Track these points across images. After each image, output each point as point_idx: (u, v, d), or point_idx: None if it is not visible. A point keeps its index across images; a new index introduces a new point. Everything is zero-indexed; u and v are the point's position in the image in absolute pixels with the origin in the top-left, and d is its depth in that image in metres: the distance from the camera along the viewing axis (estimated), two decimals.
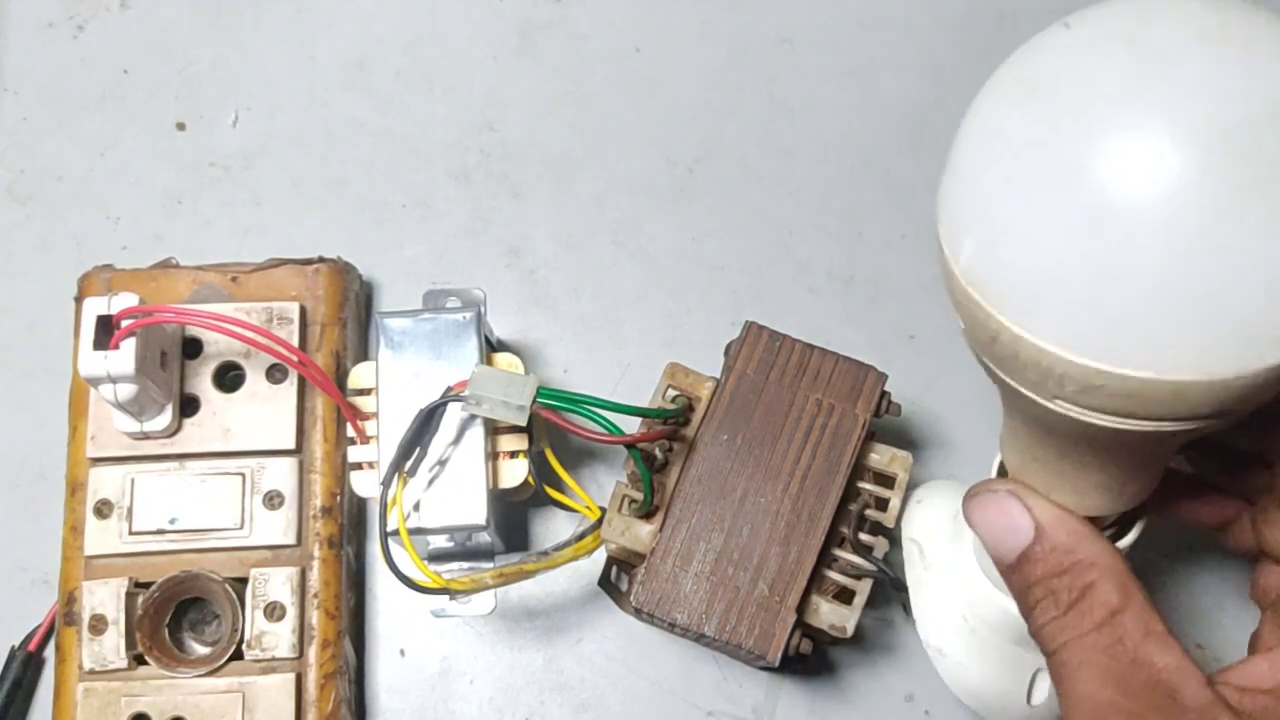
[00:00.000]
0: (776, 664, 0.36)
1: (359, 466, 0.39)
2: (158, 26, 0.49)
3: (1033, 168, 0.24)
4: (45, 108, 0.49)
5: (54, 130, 0.48)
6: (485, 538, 0.40)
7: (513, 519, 0.44)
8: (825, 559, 0.37)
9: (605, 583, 0.42)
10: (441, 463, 0.39)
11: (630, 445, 0.36)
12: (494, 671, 0.43)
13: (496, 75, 0.49)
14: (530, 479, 0.39)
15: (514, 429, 0.39)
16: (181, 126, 0.48)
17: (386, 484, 0.38)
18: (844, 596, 0.37)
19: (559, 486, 0.40)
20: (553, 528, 0.44)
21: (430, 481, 0.38)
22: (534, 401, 0.36)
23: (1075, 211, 0.23)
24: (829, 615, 0.37)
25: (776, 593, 0.36)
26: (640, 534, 0.37)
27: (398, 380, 0.39)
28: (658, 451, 0.38)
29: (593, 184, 0.48)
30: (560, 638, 0.43)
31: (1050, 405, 0.26)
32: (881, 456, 0.38)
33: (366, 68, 0.49)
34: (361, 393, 0.40)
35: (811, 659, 0.42)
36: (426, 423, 0.38)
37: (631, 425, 0.37)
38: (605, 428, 0.36)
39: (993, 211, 0.25)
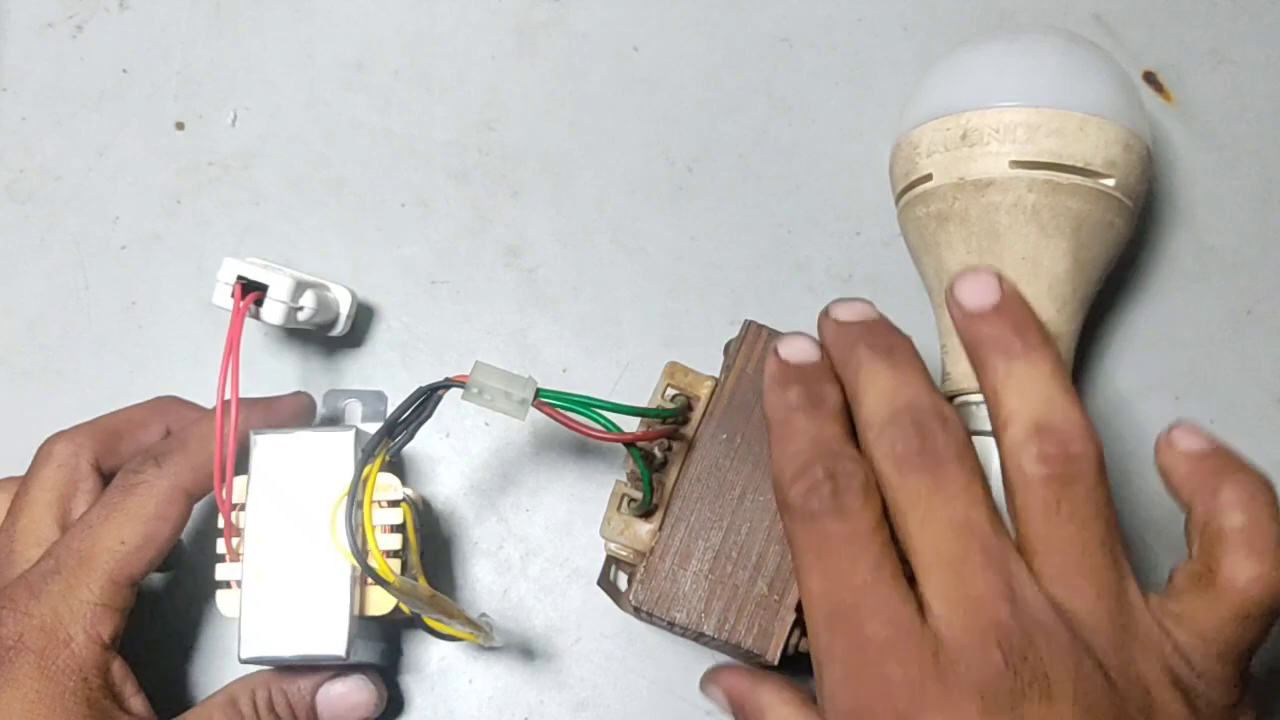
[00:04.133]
0: (776, 662, 0.36)
1: (226, 585, 0.38)
2: (156, 26, 0.50)
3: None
4: (44, 107, 0.49)
5: (53, 130, 0.48)
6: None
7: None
8: None
9: (604, 582, 0.42)
10: (303, 585, 0.37)
11: (630, 444, 0.36)
12: (493, 671, 0.43)
13: (495, 75, 0.49)
14: (402, 607, 0.37)
15: (388, 554, 0.37)
16: (180, 126, 0.48)
17: (368, 454, 0.36)
18: None
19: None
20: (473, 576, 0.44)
21: (289, 603, 0.37)
22: (535, 398, 0.35)
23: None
24: None
25: (775, 591, 0.36)
26: (639, 533, 0.37)
27: (268, 499, 0.38)
28: (657, 450, 0.38)
29: (591, 183, 0.48)
30: (559, 637, 0.43)
31: (1008, 173, 0.39)
32: None
33: (365, 67, 0.49)
34: (235, 507, 0.38)
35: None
36: (422, 406, 0.36)
37: (631, 425, 0.37)
38: (605, 426, 0.36)
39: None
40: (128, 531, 0.36)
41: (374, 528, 0.36)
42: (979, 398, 0.40)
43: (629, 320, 0.46)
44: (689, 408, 0.38)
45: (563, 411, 0.35)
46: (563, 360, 0.46)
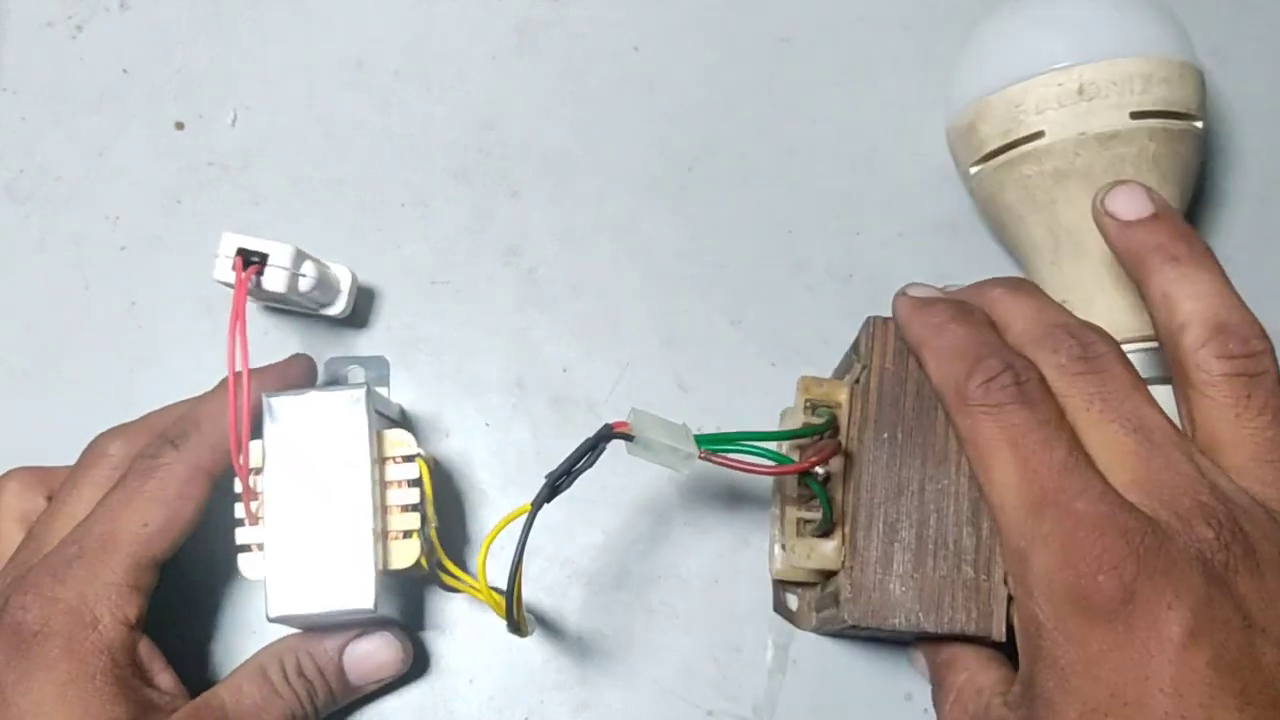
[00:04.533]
0: (1003, 638, 0.35)
1: (247, 549, 0.38)
2: (156, 26, 0.49)
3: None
4: (44, 107, 0.49)
5: (52, 130, 0.48)
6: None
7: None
8: None
9: (780, 609, 0.42)
10: (326, 542, 0.37)
11: (806, 471, 0.36)
12: (493, 671, 0.43)
13: (495, 74, 0.49)
14: (423, 561, 0.38)
15: (406, 508, 0.38)
16: (180, 126, 0.48)
17: (532, 517, 0.35)
18: None
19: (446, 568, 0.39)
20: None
21: (313, 561, 0.37)
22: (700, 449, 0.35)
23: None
24: None
25: (982, 571, 0.36)
26: (826, 552, 0.37)
27: (284, 461, 0.38)
28: (820, 468, 0.37)
29: (591, 183, 0.48)
30: (559, 637, 0.43)
31: (1130, 125, 0.40)
32: None
33: (365, 67, 0.49)
34: (253, 471, 0.38)
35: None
36: (587, 457, 0.35)
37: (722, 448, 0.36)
38: (774, 459, 0.35)
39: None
40: (150, 514, 0.37)
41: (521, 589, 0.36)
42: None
43: (629, 320, 0.46)
44: (834, 417, 0.38)
45: (730, 456, 0.35)
46: (563, 360, 0.46)
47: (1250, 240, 0.47)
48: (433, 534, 0.39)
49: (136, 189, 0.48)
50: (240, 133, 0.48)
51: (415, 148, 0.48)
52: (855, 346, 0.39)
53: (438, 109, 0.49)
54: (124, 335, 0.46)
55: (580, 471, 0.35)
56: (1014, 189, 0.42)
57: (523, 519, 0.35)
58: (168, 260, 0.47)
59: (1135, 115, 0.40)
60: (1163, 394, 0.41)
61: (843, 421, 0.38)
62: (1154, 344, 0.41)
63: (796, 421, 0.38)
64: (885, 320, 0.38)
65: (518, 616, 0.36)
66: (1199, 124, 0.41)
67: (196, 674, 0.42)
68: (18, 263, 0.47)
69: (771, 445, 0.36)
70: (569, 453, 0.35)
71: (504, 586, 0.38)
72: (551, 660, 0.43)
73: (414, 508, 0.38)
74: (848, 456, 0.38)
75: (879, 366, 0.37)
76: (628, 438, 0.35)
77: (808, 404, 0.38)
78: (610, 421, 0.35)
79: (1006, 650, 0.35)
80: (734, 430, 0.36)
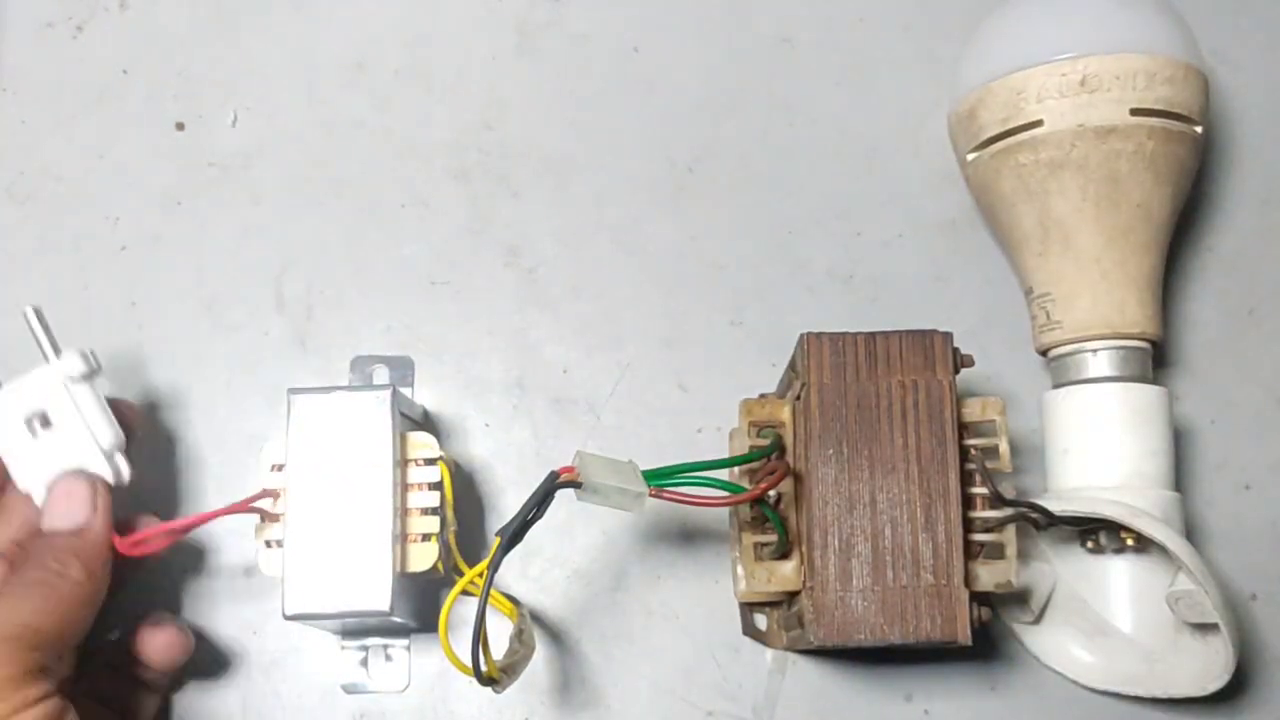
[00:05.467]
0: (969, 642, 0.36)
1: (267, 545, 0.38)
2: (156, 27, 0.49)
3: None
4: (44, 108, 0.49)
5: (53, 130, 0.48)
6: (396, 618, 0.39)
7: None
8: (967, 526, 0.37)
9: (749, 630, 0.43)
10: (345, 542, 0.37)
11: (759, 499, 0.36)
12: None
13: (495, 75, 0.49)
14: (439, 564, 0.39)
15: (426, 511, 0.39)
16: (180, 126, 0.48)
17: (494, 567, 0.35)
18: (993, 552, 0.37)
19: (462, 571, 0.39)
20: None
21: (332, 561, 0.37)
22: (650, 487, 0.35)
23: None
24: (990, 577, 0.37)
25: (941, 577, 0.36)
26: (786, 573, 0.37)
27: (307, 459, 0.38)
28: (770, 491, 0.37)
29: (592, 183, 0.48)
30: (559, 638, 0.43)
31: (1129, 120, 0.40)
32: (973, 409, 0.38)
33: (365, 67, 0.49)
34: (275, 468, 0.38)
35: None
36: (536, 506, 0.35)
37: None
38: (725, 489, 0.35)
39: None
40: None
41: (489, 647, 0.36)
42: (1095, 344, 0.41)
43: (629, 320, 0.46)
44: (779, 437, 0.38)
45: (680, 490, 0.35)
46: (563, 360, 0.46)
47: (1251, 242, 0.47)
48: (451, 538, 0.39)
49: (136, 189, 0.48)
50: (240, 133, 0.48)
51: (415, 148, 0.48)
52: (792, 364, 0.39)
53: (438, 109, 0.49)
54: (124, 335, 0.46)
55: (532, 524, 0.35)
56: (1009, 177, 0.42)
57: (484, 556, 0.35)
58: (168, 260, 0.47)
59: (1135, 112, 0.40)
60: (1151, 393, 0.41)
61: (788, 440, 0.38)
62: (1136, 342, 0.41)
63: (743, 444, 0.38)
64: (819, 335, 0.38)
65: (488, 671, 0.35)
66: (1199, 129, 0.42)
67: (204, 670, 0.43)
68: (18, 263, 0.47)
69: (721, 473, 0.35)
70: (519, 508, 0.35)
71: (513, 645, 0.38)
72: (552, 661, 0.43)
73: (433, 511, 0.39)
74: (797, 477, 0.37)
75: (817, 382, 0.37)
76: (576, 485, 0.35)
77: (751, 425, 0.38)
78: (556, 469, 0.35)
79: (973, 653, 0.35)
80: (682, 462, 0.35)
